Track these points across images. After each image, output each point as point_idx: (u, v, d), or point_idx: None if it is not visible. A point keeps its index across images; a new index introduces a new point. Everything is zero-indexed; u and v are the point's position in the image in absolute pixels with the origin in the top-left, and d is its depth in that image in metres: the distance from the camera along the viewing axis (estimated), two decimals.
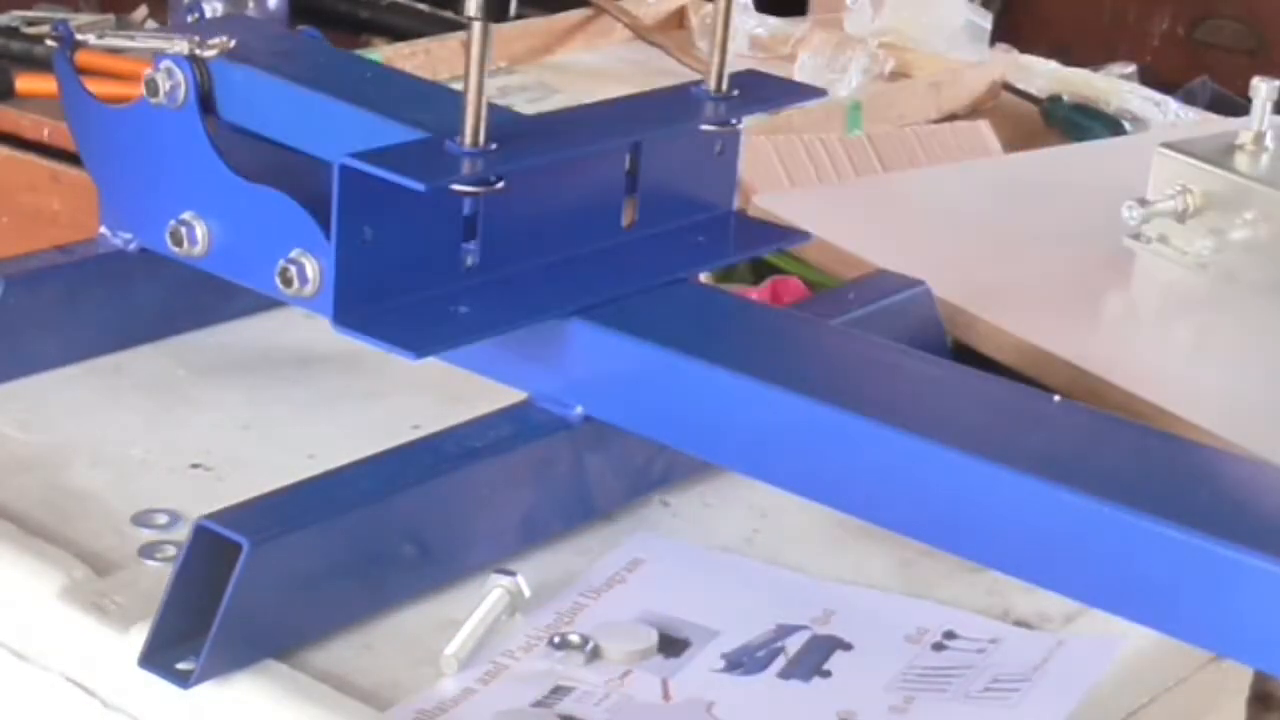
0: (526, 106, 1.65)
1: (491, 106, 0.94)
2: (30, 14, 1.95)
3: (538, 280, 1.01)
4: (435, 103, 1.06)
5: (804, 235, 1.17)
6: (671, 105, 1.08)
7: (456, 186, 0.93)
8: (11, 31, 1.90)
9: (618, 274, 1.03)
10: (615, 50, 1.91)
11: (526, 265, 1.01)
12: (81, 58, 1.12)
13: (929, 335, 1.18)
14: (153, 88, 1.05)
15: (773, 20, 1.90)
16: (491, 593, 0.92)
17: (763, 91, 1.08)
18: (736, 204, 1.12)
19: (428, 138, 0.97)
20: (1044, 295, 1.33)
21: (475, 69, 0.92)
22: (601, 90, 1.39)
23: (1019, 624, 0.95)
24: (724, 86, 1.07)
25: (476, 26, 0.91)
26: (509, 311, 0.98)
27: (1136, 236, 1.39)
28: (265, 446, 1.06)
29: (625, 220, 1.07)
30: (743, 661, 0.91)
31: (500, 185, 0.93)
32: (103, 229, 1.11)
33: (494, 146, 0.94)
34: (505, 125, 0.95)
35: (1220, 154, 1.38)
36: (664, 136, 1.07)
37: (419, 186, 0.91)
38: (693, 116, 1.06)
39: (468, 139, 0.93)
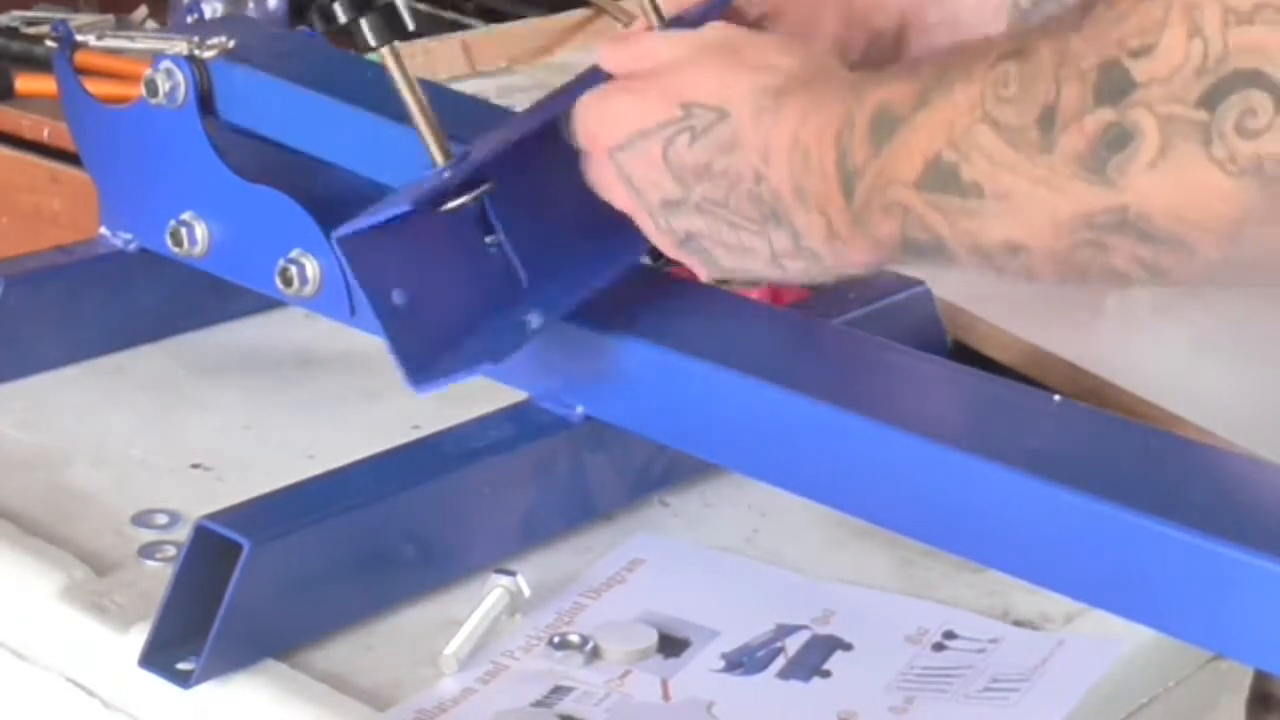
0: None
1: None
2: (30, 14, 1.95)
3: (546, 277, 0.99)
4: (434, 102, 1.05)
5: None
6: None
7: (450, 204, 0.91)
8: (11, 31, 1.90)
9: (617, 273, 1.03)
10: None
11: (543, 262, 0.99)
12: (81, 58, 1.12)
13: (929, 335, 1.17)
14: (152, 88, 1.05)
15: None
16: (491, 593, 0.92)
17: None
18: None
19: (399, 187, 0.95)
20: (1044, 295, 1.33)
21: (406, 91, 0.91)
22: None
23: (1019, 624, 0.95)
24: None
25: (386, 51, 0.91)
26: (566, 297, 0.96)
27: None
28: (265, 446, 1.06)
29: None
30: (742, 661, 0.91)
31: (487, 186, 0.92)
32: (103, 229, 1.11)
33: (463, 150, 0.93)
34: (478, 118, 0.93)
35: None
36: None
37: (406, 206, 0.88)
38: None
39: (437, 157, 0.92)
